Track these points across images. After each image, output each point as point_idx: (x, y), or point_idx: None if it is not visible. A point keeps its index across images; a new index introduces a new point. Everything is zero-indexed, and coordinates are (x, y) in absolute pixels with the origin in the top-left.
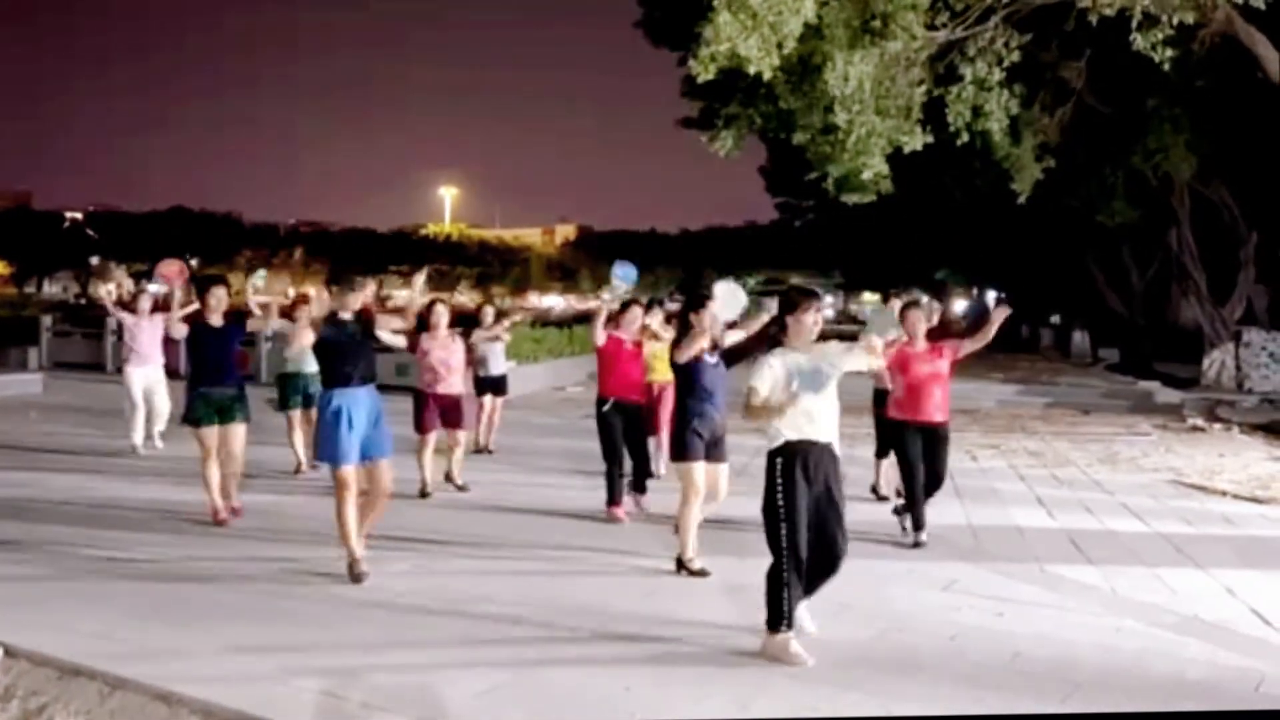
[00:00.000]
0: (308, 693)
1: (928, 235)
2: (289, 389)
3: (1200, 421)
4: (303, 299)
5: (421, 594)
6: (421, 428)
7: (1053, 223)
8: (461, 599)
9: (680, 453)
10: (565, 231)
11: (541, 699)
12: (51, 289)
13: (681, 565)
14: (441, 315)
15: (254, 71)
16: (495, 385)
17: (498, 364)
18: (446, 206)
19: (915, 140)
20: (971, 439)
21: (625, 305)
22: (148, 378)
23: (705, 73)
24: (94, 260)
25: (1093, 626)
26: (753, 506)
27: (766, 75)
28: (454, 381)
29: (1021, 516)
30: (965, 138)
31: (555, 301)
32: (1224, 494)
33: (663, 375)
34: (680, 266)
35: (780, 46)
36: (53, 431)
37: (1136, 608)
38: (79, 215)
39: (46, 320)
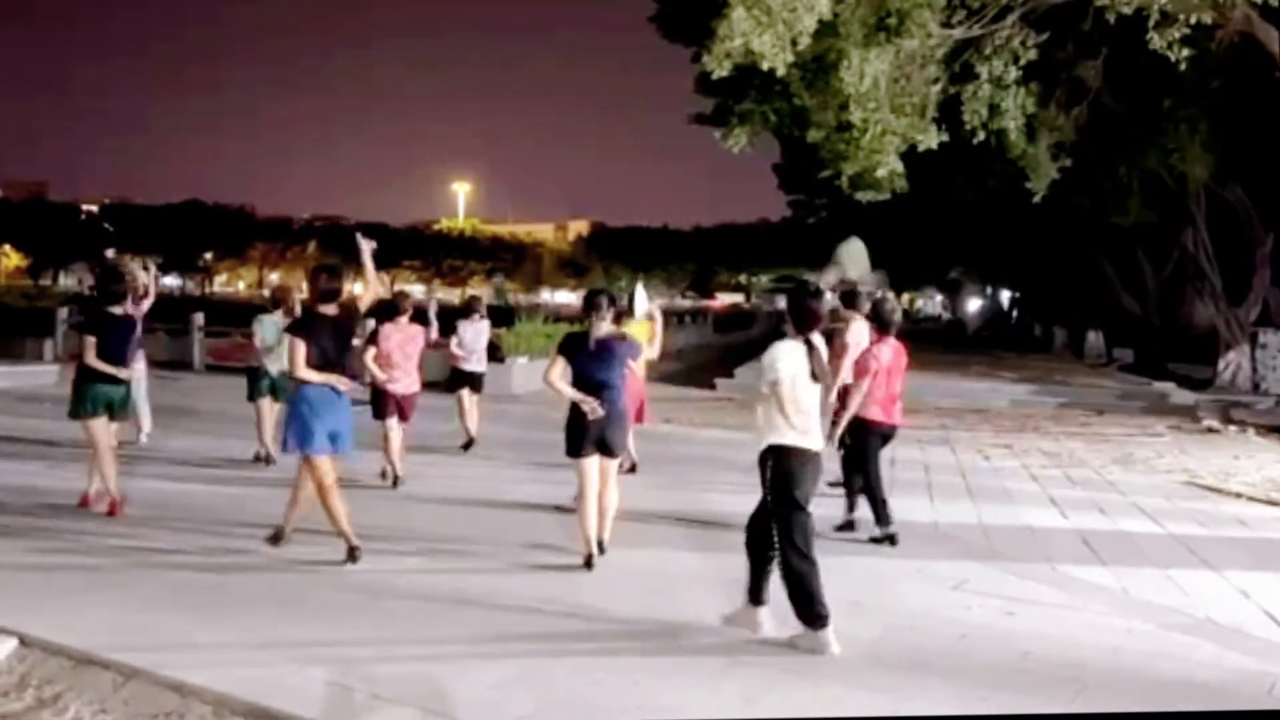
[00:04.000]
0: (318, 683)
1: (942, 234)
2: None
3: (1215, 423)
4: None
5: (430, 588)
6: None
7: (1067, 222)
8: (470, 593)
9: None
10: (578, 227)
11: (549, 692)
12: (67, 281)
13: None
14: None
15: (269, 65)
16: (477, 381)
17: (483, 359)
18: (460, 202)
19: (930, 138)
20: (984, 438)
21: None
22: None
23: (719, 69)
24: (109, 253)
25: (1103, 627)
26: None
27: (781, 72)
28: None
29: (1033, 516)
30: (981, 136)
31: (568, 298)
32: (1238, 496)
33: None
34: (693, 262)
35: (795, 43)
36: (65, 424)
37: (1148, 609)
38: (94, 208)
39: (62, 312)
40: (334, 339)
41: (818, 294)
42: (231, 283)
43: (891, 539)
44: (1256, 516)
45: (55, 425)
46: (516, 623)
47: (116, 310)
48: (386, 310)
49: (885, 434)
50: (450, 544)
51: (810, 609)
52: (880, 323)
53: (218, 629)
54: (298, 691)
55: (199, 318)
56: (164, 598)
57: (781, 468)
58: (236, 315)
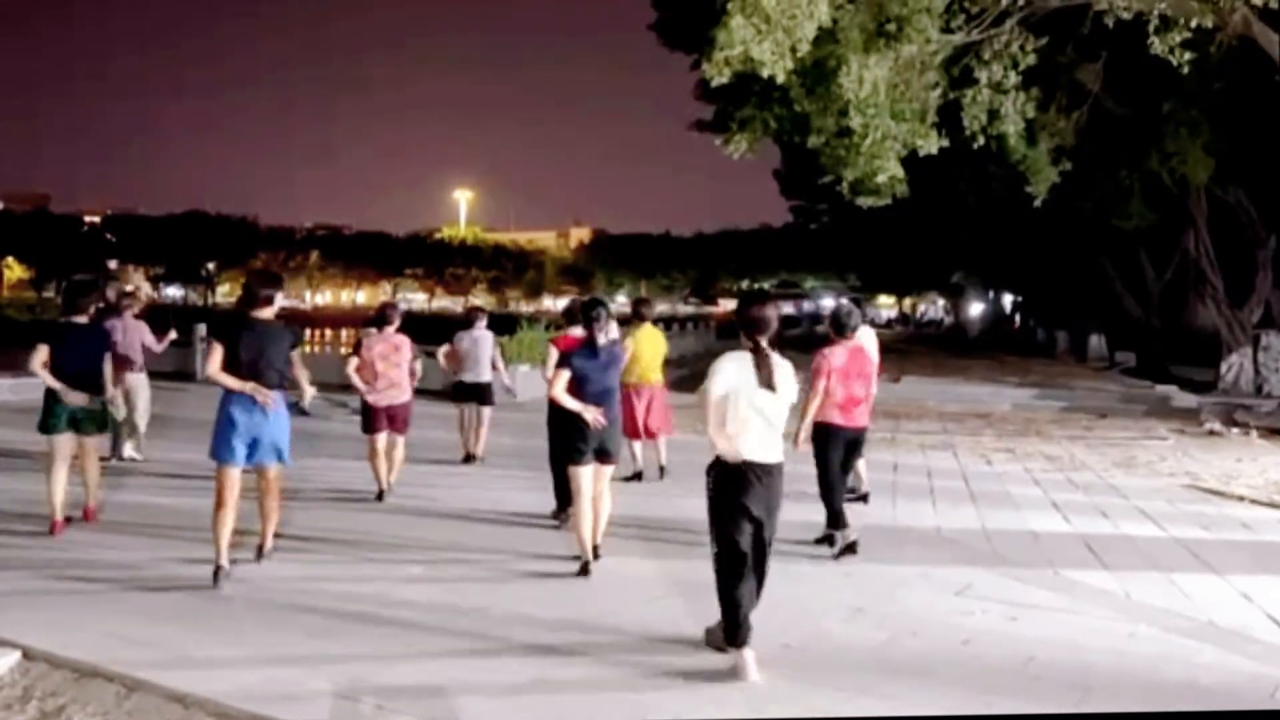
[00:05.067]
0: (321, 695)
1: (943, 238)
2: None
3: (1218, 426)
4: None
5: (433, 599)
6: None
7: (1069, 226)
8: (473, 604)
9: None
10: (579, 234)
11: (554, 701)
12: None
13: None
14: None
15: (271, 75)
16: (480, 393)
17: (485, 371)
18: (461, 210)
19: (930, 143)
20: (986, 442)
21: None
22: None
23: (719, 76)
24: (112, 264)
25: (1107, 632)
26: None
27: (780, 78)
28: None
29: (1036, 521)
30: (981, 141)
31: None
32: (1241, 499)
33: (639, 376)
34: (694, 269)
35: (794, 50)
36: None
37: (1151, 613)
38: (97, 219)
39: None
40: (262, 346)
41: (766, 298)
42: (234, 293)
43: (830, 540)
44: (1259, 519)
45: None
46: (521, 632)
47: (80, 319)
48: (375, 319)
49: (848, 438)
50: (452, 554)
51: (727, 624)
52: (836, 326)
53: (221, 641)
54: (302, 702)
55: (201, 328)
56: (168, 610)
57: (716, 480)
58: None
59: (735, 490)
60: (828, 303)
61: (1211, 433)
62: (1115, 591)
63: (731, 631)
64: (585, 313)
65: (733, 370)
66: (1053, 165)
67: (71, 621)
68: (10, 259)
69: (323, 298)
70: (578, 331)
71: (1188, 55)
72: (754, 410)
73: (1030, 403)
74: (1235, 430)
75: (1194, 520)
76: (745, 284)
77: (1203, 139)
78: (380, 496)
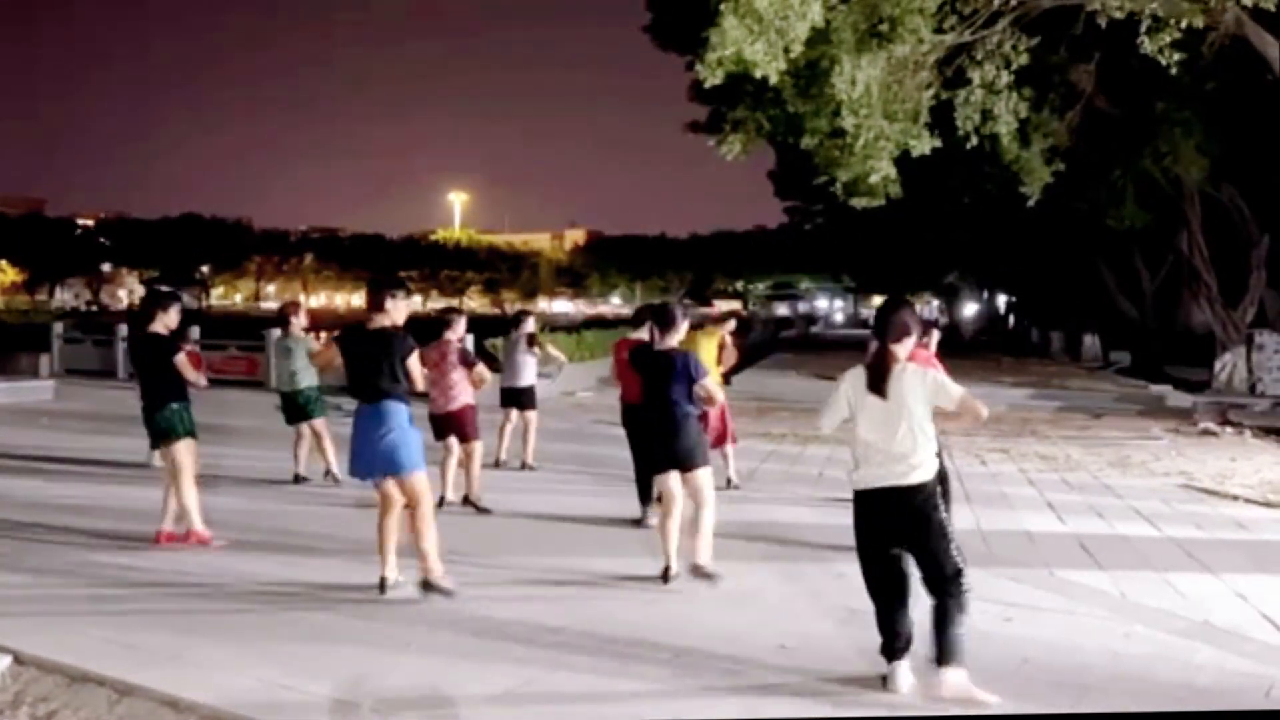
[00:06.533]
0: (317, 698)
1: (937, 239)
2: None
3: (1212, 425)
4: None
5: (431, 603)
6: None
7: (1063, 226)
8: (472, 607)
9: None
10: (575, 236)
11: (552, 705)
12: (63, 296)
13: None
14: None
15: (266, 78)
16: (520, 398)
17: (528, 375)
18: (456, 212)
19: (923, 144)
20: (981, 443)
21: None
22: None
23: (712, 77)
24: (106, 268)
25: (1102, 631)
26: (777, 512)
27: (774, 79)
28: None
29: (1031, 521)
30: (974, 141)
31: (565, 307)
32: (1236, 498)
33: None
34: (690, 270)
35: (787, 51)
36: (63, 439)
37: (1146, 613)
38: (90, 222)
39: (58, 327)
40: (368, 355)
41: (898, 303)
42: (229, 295)
43: None
44: (1254, 519)
45: (53, 441)
46: (517, 636)
47: (158, 329)
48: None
49: None
50: (450, 558)
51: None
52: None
53: (217, 646)
54: (299, 707)
55: (194, 331)
56: (162, 615)
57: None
58: (235, 329)
59: (861, 519)
60: (822, 304)
61: (1206, 432)
62: (1111, 591)
63: (887, 648)
64: (654, 315)
65: (846, 386)
66: (1046, 165)
67: (63, 626)
68: (4, 262)
69: (317, 300)
70: (642, 334)
71: (1177, 56)
72: (867, 420)
73: (1025, 403)
74: (1229, 429)
75: (1189, 520)
76: (740, 285)
77: (1196, 139)
78: (441, 502)
